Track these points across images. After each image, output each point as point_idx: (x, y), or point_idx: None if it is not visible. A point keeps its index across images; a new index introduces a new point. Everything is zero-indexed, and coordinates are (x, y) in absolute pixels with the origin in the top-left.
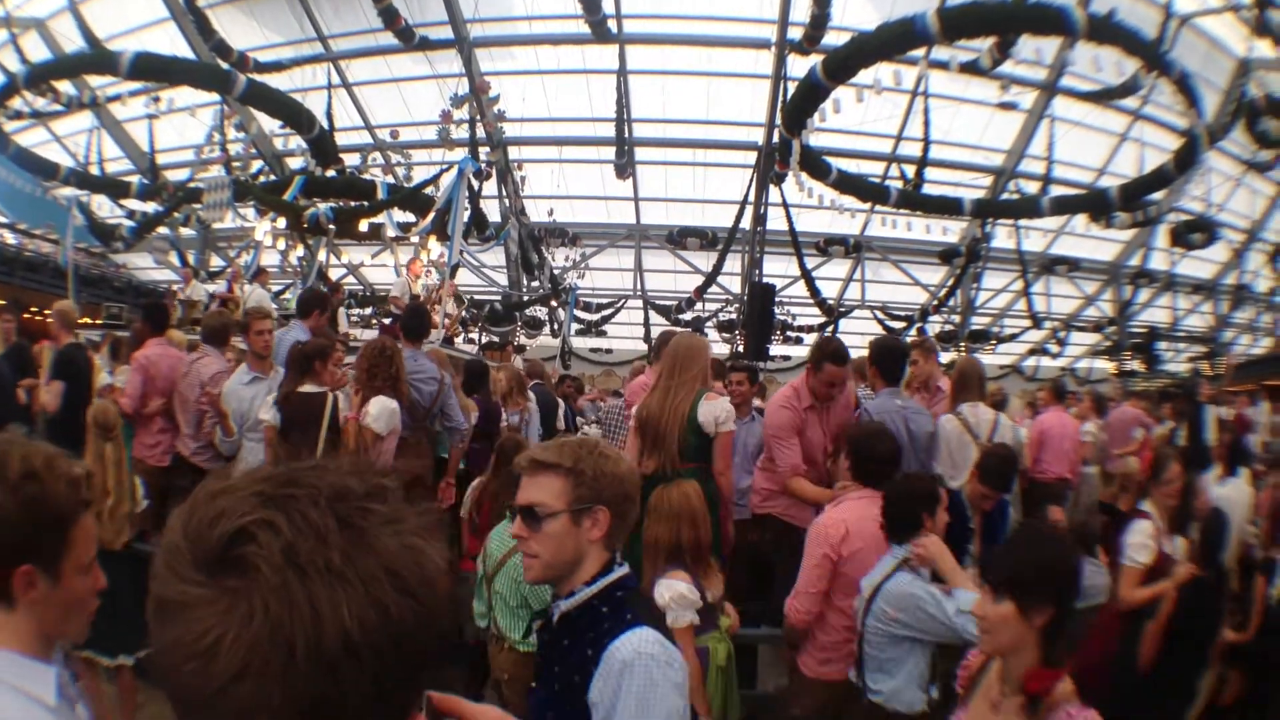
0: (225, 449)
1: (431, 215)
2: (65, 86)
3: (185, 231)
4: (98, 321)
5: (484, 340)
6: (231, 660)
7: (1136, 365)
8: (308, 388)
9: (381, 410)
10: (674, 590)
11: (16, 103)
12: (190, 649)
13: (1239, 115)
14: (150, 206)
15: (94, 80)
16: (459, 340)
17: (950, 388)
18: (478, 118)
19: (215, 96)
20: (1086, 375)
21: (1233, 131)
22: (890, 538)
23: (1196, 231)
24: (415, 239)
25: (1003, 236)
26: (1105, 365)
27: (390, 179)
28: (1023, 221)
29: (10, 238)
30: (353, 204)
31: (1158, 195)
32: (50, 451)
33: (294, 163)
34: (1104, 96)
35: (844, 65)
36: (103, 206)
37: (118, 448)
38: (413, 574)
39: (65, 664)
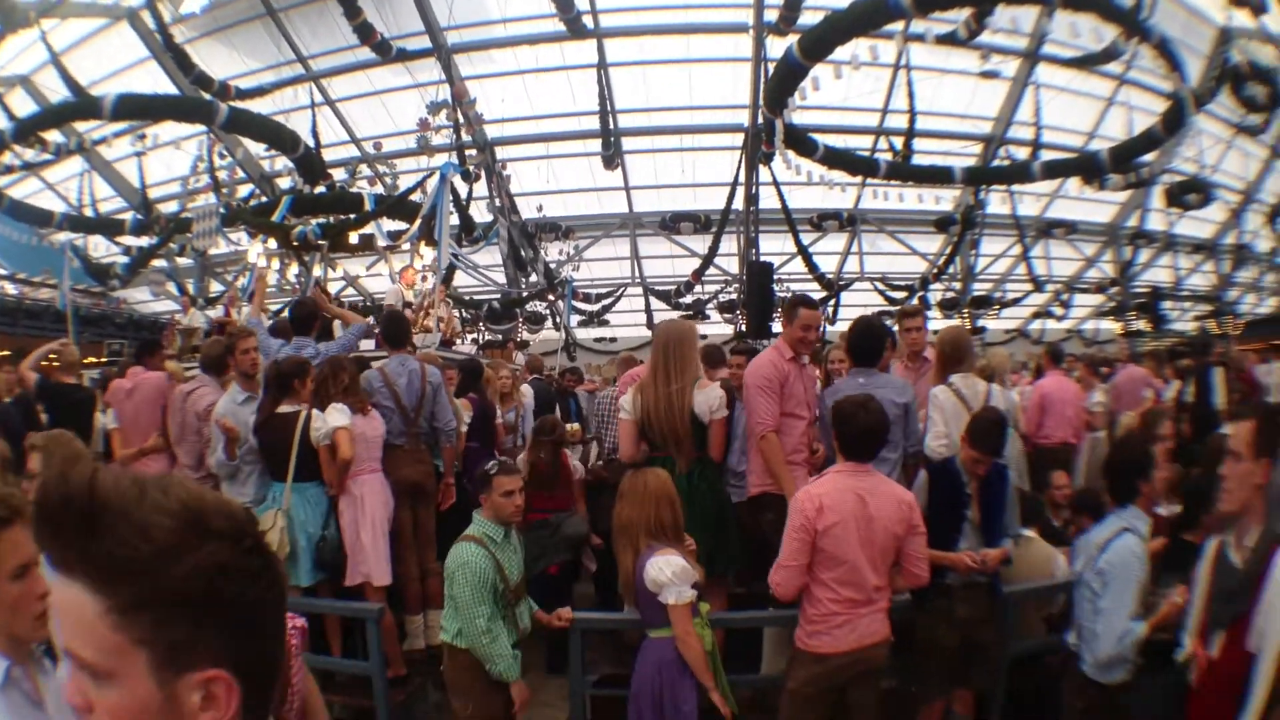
0: (222, 472)
1: (418, 222)
2: (53, 135)
3: (183, 261)
4: (101, 360)
5: (484, 339)
6: None
7: (1142, 325)
8: (285, 408)
9: (320, 424)
10: (674, 565)
11: (7, 157)
12: None
13: (1223, 81)
14: (145, 241)
15: (81, 125)
16: (462, 342)
17: (936, 358)
18: (461, 122)
19: (200, 127)
20: (1093, 336)
21: (1218, 96)
22: (1114, 501)
23: (1191, 192)
24: (407, 246)
25: (997, 202)
26: (1111, 326)
27: (378, 190)
28: (1016, 186)
29: (11, 288)
30: (341, 218)
31: (1149, 157)
32: None
33: (284, 183)
34: (1086, 62)
35: (820, 44)
36: (99, 247)
37: None
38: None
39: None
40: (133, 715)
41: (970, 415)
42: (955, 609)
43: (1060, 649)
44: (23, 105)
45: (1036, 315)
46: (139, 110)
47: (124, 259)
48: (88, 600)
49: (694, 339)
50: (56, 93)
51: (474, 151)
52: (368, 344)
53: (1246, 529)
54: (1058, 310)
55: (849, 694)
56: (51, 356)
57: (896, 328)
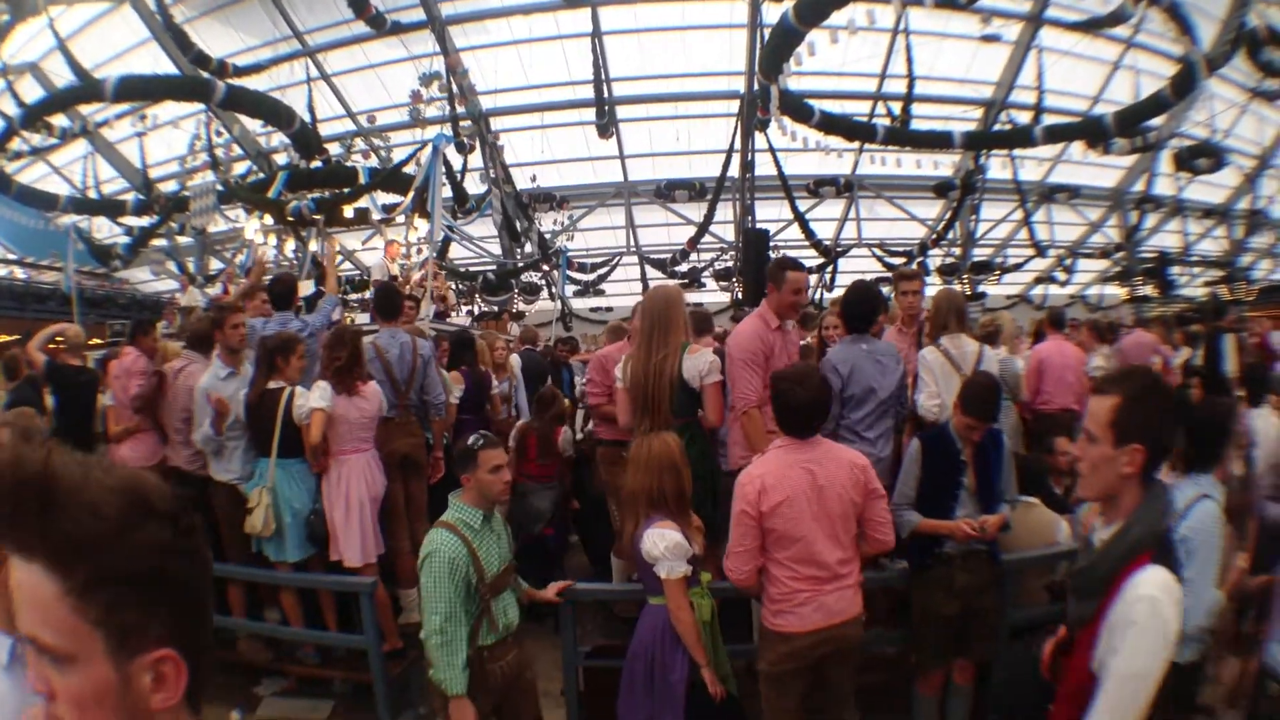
0: (208, 448)
1: (411, 194)
2: (58, 119)
3: (183, 240)
4: (106, 341)
5: (479, 311)
6: None
7: (1149, 290)
8: (273, 384)
9: (302, 402)
10: (668, 539)
11: (16, 143)
12: None
13: (1239, 45)
14: (146, 221)
15: (85, 108)
16: (457, 314)
17: (928, 320)
18: (455, 93)
19: (199, 106)
20: (1097, 302)
21: (1233, 60)
22: (1191, 468)
23: (1202, 156)
24: (401, 219)
25: (998, 167)
26: (1116, 291)
27: (373, 163)
28: (1018, 151)
29: (20, 273)
30: (335, 193)
31: (1157, 121)
32: None
33: (281, 159)
34: (1093, 26)
35: (816, 8)
36: (102, 229)
37: None
38: None
39: None
40: (92, 698)
41: (961, 378)
42: (954, 577)
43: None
44: (30, 91)
45: (1039, 281)
46: (140, 91)
47: (126, 240)
48: (47, 582)
49: (681, 304)
50: (62, 78)
51: (468, 123)
52: (362, 317)
53: (1110, 519)
54: (1061, 275)
55: (824, 672)
56: (58, 339)
57: (892, 293)
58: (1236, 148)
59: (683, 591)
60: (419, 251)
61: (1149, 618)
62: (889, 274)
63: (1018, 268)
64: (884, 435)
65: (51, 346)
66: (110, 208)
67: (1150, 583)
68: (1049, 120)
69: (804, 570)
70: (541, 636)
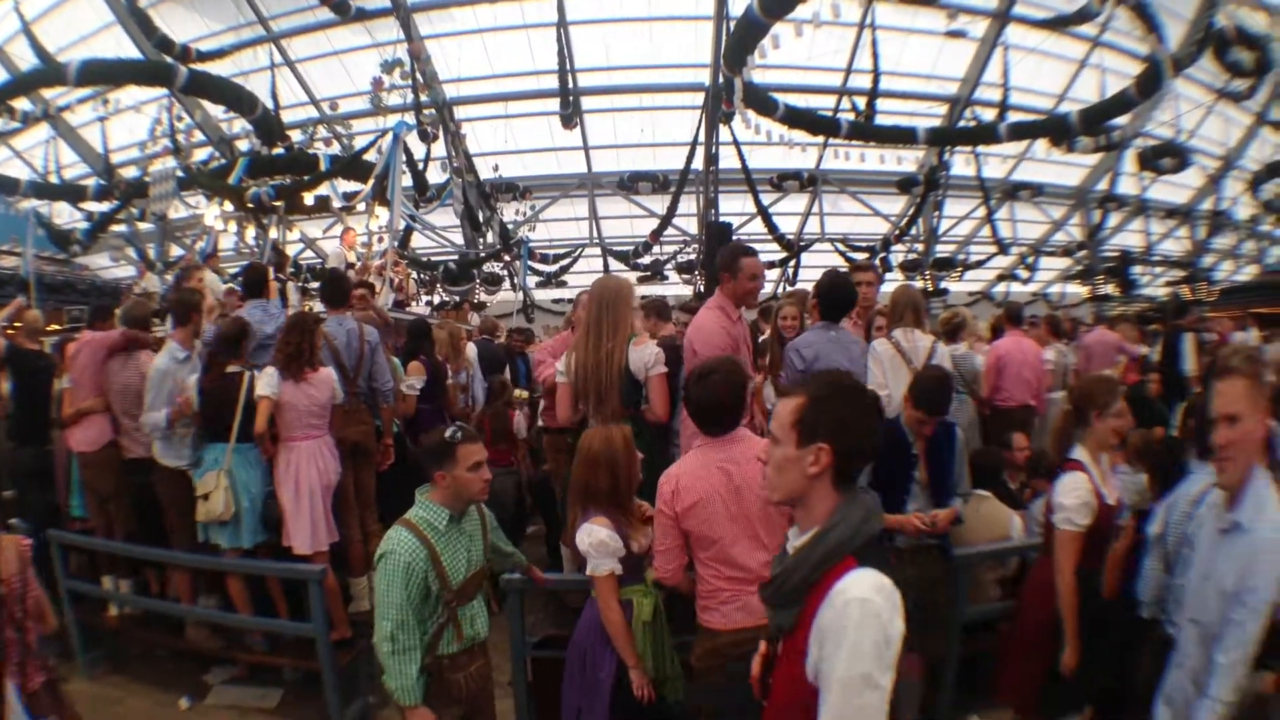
0: (156, 434)
1: (371, 182)
2: (21, 103)
3: (145, 226)
4: (64, 326)
5: (438, 301)
6: None
7: (1110, 289)
8: (232, 368)
9: (261, 379)
10: (594, 536)
11: None
12: None
13: (1206, 45)
14: (106, 206)
15: (47, 92)
16: (417, 304)
17: (884, 315)
18: (418, 80)
19: (162, 91)
20: (1059, 300)
21: (1199, 60)
22: (1203, 457)
23: (1166, 156)
24: (361, 208)
25: (961, 164)
26: (1078, 290)
27: (335, 150)
28: (982, 148)
29: None
30: (296, 179)
31: (1122, 120)
32: None
33: (244, 145)
34: (1059, 24)
35: (781, 1)
36: (62, 213)
37: None
38: None
39: None
40: None
41: (911, 372)
42: (904, 571)
43: (1011, 614)
44: None
45: (1001, 278)
46: (102, 76)
47: (86, 225)
48: None
49: (629, 296)
50: (27, 61)
51: (431, 111)
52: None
53: (804, 524)
54: (1023, 273)
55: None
56: (17, 324)
57: None
58: (1201, 148)
59: (610, 590)
60: (379, 240)
61: (863, 620)
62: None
63: (980, 265)
64: None
65: (9, 331)
66: (71, 193)
67: (860, 585)
68: (1014, 117)
69: (725, 570)
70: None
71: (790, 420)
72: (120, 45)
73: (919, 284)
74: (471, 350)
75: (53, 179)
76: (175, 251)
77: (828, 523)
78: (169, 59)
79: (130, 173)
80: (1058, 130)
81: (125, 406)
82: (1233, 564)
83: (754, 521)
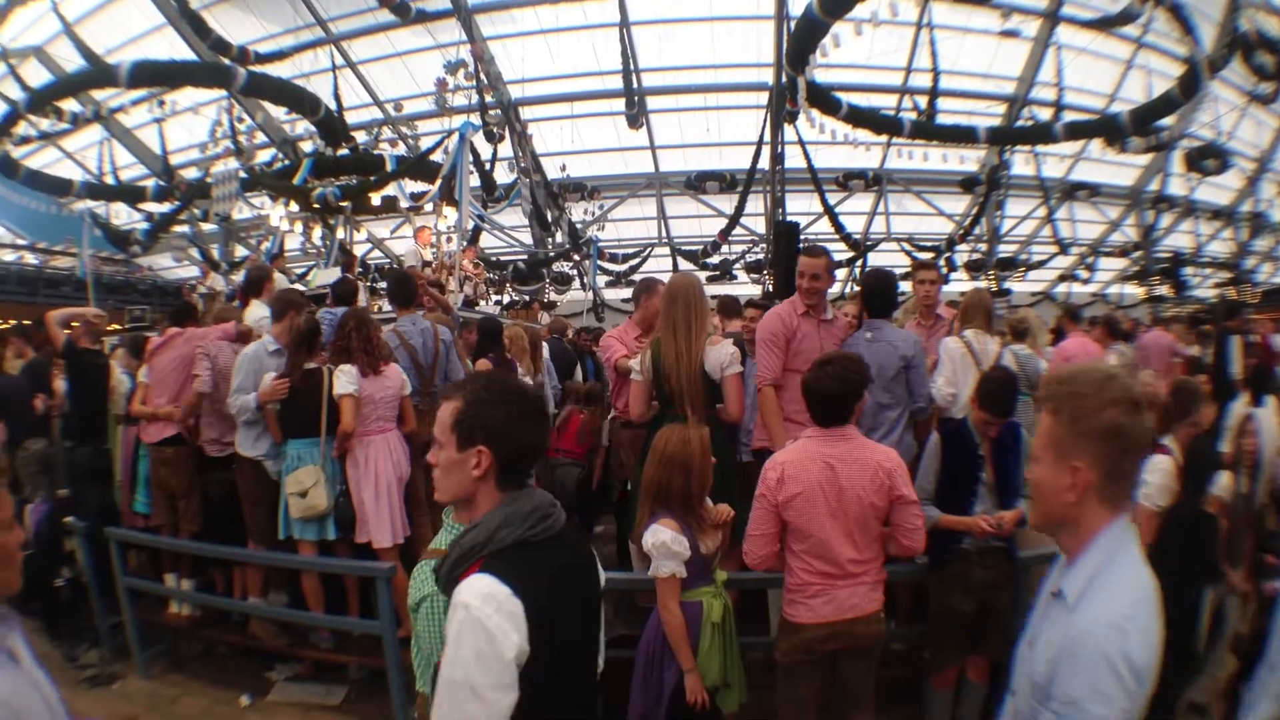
0: (243, 417)
1: (439, 182)
2: (70, 105)
3: (208, 226)
4: (125, 327)
5: (508, 300)
6: None
7: (1165, 290)
8: (310, 365)
9: (340, 378)
10: (657, 538)
11: (22, 128)
12: None
13: (1234, 48)
14: (166, 207)
15: (99, 93)
16: (486, 303)
17: (957, 318)
18: (482, 81)
19: (221, 92)
20: (1118, 300)
21: (1231, 63)
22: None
23: (1209, 158)
24: (429, 208)
25: (1021, 163)
26: (1135, 291)
27: (400, 151)
28: (1040, 148)
29: (31, 258)
30: (362, 180)
31: (1168, 121)
32: None
33: (308, 146)
34: (1105, 24)
35: (839, 0)
36: (120, 214)
37: None
38: None
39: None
40: None
41: (978, 373)
42: (971, 573)
43: None
44: (36, 76)
45: (1062, 278)
46: (156, 77)
47: (145, 225)
48: None
49: (705, 293)
50: (71, 62)
51: (496, 111)
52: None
53: (466, 521)
54: (1083, 274)
55: (838, 667)
56: (74, 322)
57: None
58: (1239, 150)
59: (670, 591)
60: (449, 240)
61: (463, 625)
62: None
63: (1041, 265)
64: (892, 425)
65: (68, 330)
66: (129, 194)
67: (469, 590)
68: (1068, 117)
69: (817, 565)
70: None
71: (449, 423)
72: (173, 47)
73: (983, 284)
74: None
75: (108, 180)
76: (240, 252)
77: (469, 525)
78: (226, 60)
79: (191, 174)
80: (1110, 130)
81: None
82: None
83: (851, 521)
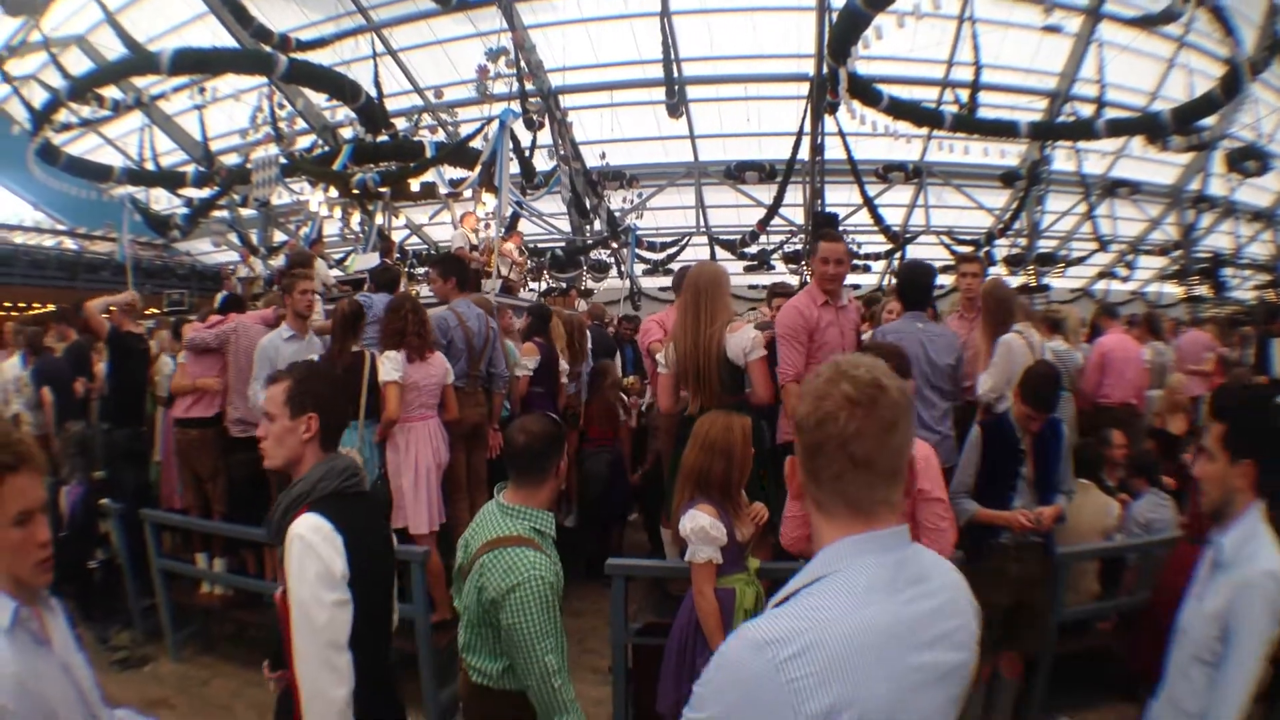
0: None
1: (478, 169)
2: (110, 92)
3: (247, 212)
4: (162, 311)
5: (545, 287)
6: None
7: (1204, 291)
8: (354, 348)
9: (385, 364)
10: (695, 523)
11: (63, 115)
12: None
13: (1274, 51)
14: (206, 192)
15: (139, 81)
16: (525, 289)
17: (981, 310)
18: (523, 69)
19: (261, 79)
20: (1156, 299)
21: (1271, 65)
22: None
23: (1250, 159)
24: (468, 194)
25: (1062, 159)
26: (1174, 290)
27: (440, 138)
28: (1081, 144)
29: (70, 244)
30: (401, 166)
31: (1209, 120)
32: None
33: (347, 133)
34: (1146, 22)
35: None
36: (159, 199)
37: None
38: None
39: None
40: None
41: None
42: (1008, 568)
43: (1112, 614)
44: (78, 65)
45: (1101, 275)
46: (197, 64)
47: (184, 211)
48: None
49: (726, 282)
50: (113, 51)
51: (536, 99)
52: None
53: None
54: (1122, 271)
55: None
56: (112, 308)
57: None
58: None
59: (706, 577)
60: (486, 227)
61: (303, 552)
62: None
63: (1081, 261)
64: (937, 416)
65: (108, 314)
66: (169, 179)
67: (303, 525)
68: (1109, 114)
69: None
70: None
71: (282, 399)
72: (215, 35)
73: (1021, 279)
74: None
75: (148, 166)
76: (279, 237)
77: (295, 479)
78: (268, 48)
79: (231, 160)
80: (1152, 128)
81: (235, 384)
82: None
83: None
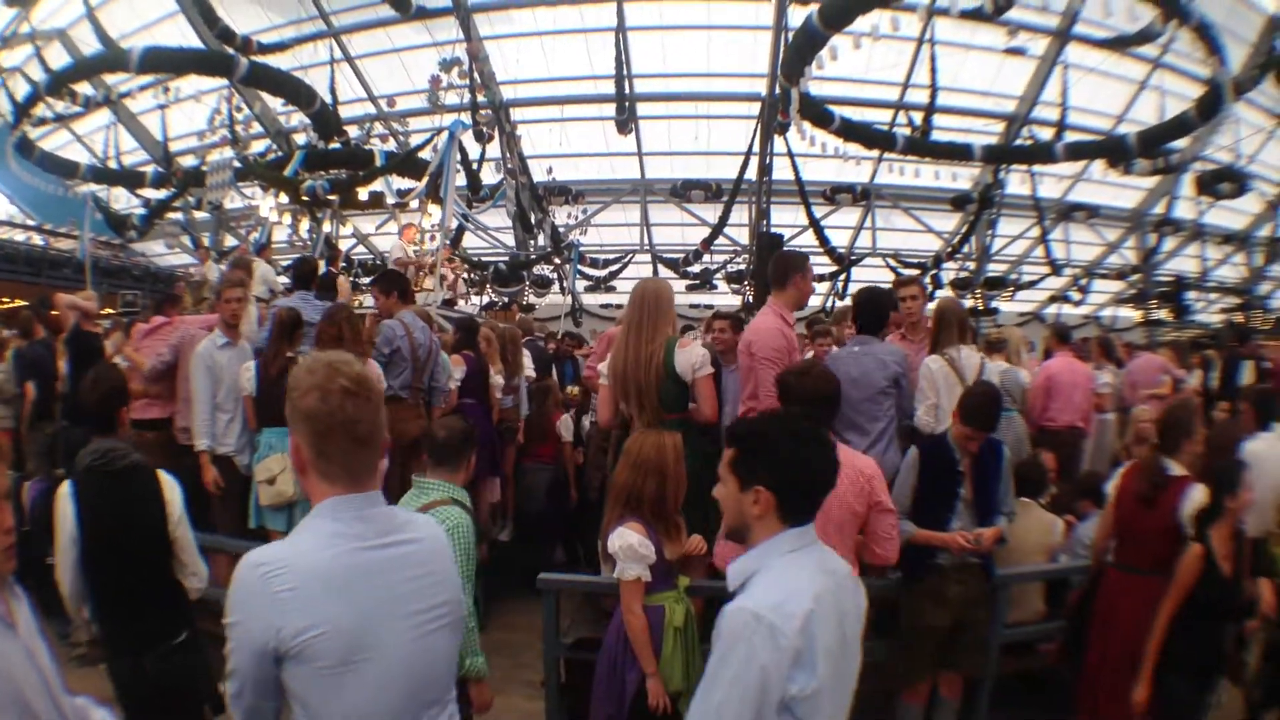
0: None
1: (425, 179)
2: (83, 88)
3: (200, 215)
4: (116, 311)
5: (485, 301)
6: None
7: (1164, 315)
8: (289, 354)
9: None
10: (624, 541)
11: (40, 109)
12: None
13: (1268, 69)
14: (163, 193)
15: (110, 78)
16: (466, 303)
17: (930, 330)
18: (475, 80)
19: (222, 81)
20: (1111, 323)
21: (1261, 84)
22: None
23: (1225, 181)
24: (414, 205)
25: (1016, 183)
26: (1131, 314)
27: (391, 147)
28: (1038, 168)
29: (38, 239)
30: (351, 174)
31: (1180, 143)
32: None
33: (301, 139)
34: (1120, 44)
35: (841, 12)
36: (119, 199)
37: None
38: None
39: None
40: None
41: (963, 388)
42: (946, 589)
43: (1055, 635)
44: (57, 59)
45: (1053, 299)
46: (164, 64)
47: (142, 211)
48: None
49: (670, 298)
50: (89, 46)
51: (487, 111)
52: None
53: None
54: (1075, 295)
55: None
56: (78, 305)
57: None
58: (1260, 174)
59: (634, 595)
60: (431, 238)
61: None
62: None
63: (1032, 285)
64: (875, 438)
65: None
66: (130, 179)
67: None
68: (1071, 137)
69: None
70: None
71: None
72: (184, 35)
73: (969, 302)
74: (527, 356)
75: (112, 164)
76: (229, 241)
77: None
78: (230, 50)
79: (189, 161)
80: (1115, 151)
81: (183, 390)
82: None
83: (830, 524)
